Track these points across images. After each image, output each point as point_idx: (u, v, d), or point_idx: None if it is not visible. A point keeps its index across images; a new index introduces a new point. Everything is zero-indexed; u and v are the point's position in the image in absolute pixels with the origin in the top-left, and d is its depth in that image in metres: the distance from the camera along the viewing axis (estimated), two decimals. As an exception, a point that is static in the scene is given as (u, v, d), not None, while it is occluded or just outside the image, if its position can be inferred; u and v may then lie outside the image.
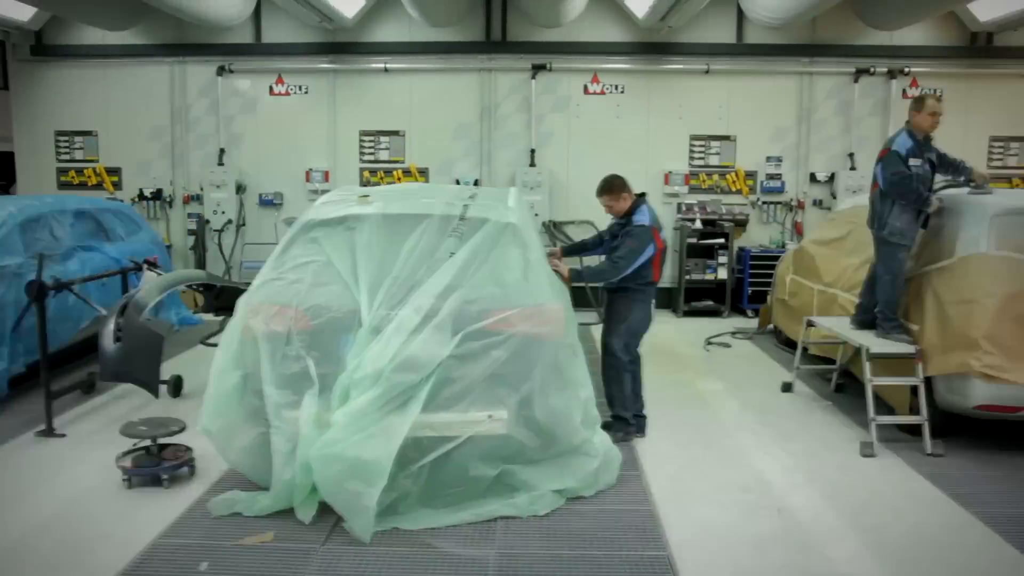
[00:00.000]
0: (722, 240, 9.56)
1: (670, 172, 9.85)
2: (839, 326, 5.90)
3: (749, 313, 9.63)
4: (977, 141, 9.92)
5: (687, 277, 9.65)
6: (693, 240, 9.57)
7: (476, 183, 9.85)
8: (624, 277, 5.12)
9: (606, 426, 4.87)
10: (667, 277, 9.79)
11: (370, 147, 9.99)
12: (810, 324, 6.35)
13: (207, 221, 9.87)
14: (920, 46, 9.71)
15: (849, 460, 4.98)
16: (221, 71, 9.82)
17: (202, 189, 9.93)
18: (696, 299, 9.73)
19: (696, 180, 9.97)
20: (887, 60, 9.69)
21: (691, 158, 9.96)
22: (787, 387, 6.52)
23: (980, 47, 9.75)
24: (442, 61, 9.80)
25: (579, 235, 9.99)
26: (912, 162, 5.23)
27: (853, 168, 9.80)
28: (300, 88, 9.94)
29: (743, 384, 6.75)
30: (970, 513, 4.21)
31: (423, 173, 10.00)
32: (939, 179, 5.59)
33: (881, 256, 5.44)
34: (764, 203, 10.05)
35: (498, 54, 9.77)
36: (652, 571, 3.59)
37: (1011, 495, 4.46)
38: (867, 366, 5.24)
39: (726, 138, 9.92)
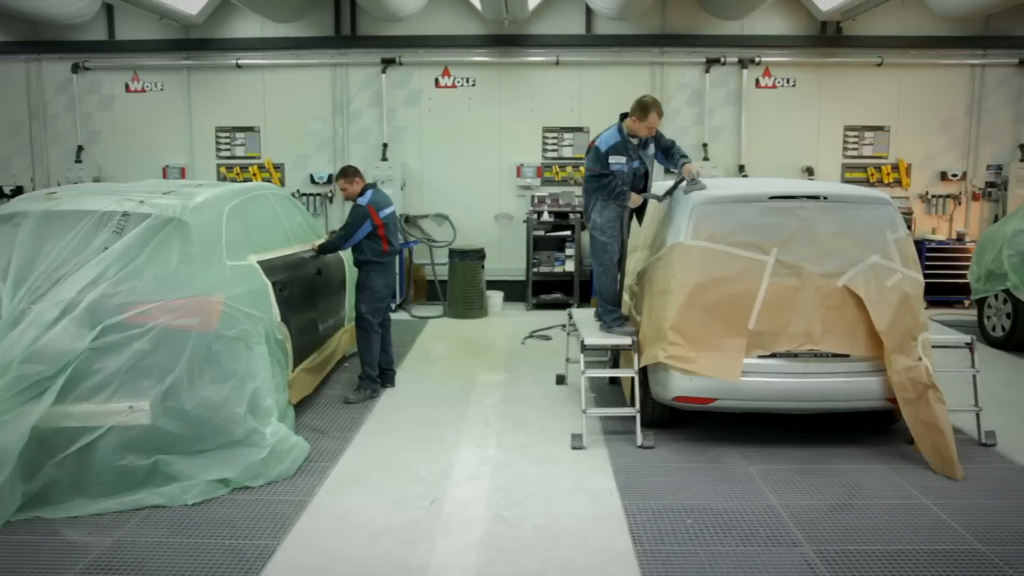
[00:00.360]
0: (568, 232, 9.53)
1: (522, 165, 9.83)
2: (579, 318, 5.90)
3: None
4: (832, 131, 9.84)
5: (535, 270, 9.62)
6: (541, 233, 9.54)
7: (329, 179, 9.91)
8: (363, 251, 5.89)
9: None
10: (516, 270, 9.80)
11: (226, 143, 10.05)
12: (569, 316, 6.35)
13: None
14: (771, 35, 9.63)
15: (556, 453, 4.97)
16: (76, 68, 9.90)
17: (59, 185, 10.02)
18: (546, 292, 9.71)
19: (549, 172, 9.95)
20: (738, 50, 9.62)
21: (544, 150, 9.94)
22: (561, 379, 6.52)
23: (830, 36, 9.65)
24: (294, 56, 9.83)
25: (435, 229, 10.04)
26: (612, 159, 5.13)
27: (706, 159, 9.73)
28: (156, 85, 10.01)
29: (526, 377, 6.74)
30: (623, 505, 4.20)
31: (279, 168, 10.06)
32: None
33: (591, 249, 5.42)
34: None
35: (349, 49, 9.78)
36: (246, 558, 3.65)
37: (679, 487, 4.42)
38: (581, 358, 5.24)
39: (579, 130, 9.88)
